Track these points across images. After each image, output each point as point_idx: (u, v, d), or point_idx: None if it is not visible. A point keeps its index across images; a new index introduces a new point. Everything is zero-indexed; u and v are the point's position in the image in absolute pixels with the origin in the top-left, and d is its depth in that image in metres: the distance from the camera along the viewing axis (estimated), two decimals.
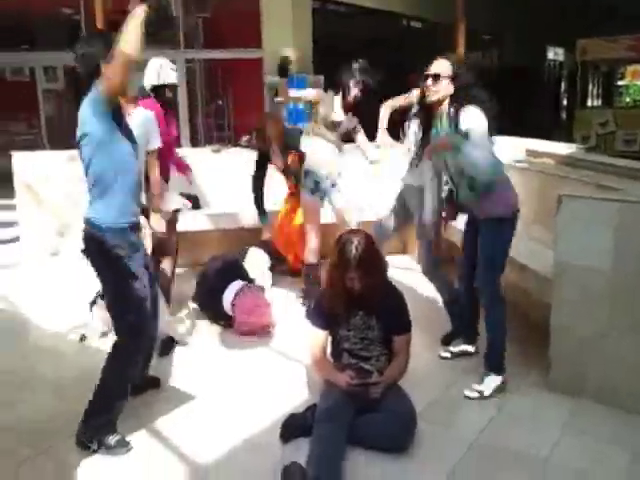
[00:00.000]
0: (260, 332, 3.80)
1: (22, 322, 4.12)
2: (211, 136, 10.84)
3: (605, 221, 2.84)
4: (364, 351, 2.80)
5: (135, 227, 2.61)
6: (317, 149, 3.93)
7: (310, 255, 4.02)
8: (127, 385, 2.65)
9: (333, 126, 3.89)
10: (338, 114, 3.88)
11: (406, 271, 4.50)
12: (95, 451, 2.57)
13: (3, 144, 9.80)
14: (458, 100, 2.88)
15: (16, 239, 5.68)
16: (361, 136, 4.05)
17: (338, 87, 3.84)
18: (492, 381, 3.04)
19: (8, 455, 2.59)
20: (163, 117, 3.74)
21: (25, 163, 5.31)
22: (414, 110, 3.40)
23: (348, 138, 4.06)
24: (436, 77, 2.90)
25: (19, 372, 3.36)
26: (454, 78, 2.90)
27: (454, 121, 2.86)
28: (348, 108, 3.87)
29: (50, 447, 2.64)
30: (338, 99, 3.86)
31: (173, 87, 3.90)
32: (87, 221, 2.53)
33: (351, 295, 2.73)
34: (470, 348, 3.44)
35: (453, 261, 3.79)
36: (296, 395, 3.03)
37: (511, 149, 4.68)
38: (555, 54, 21.32)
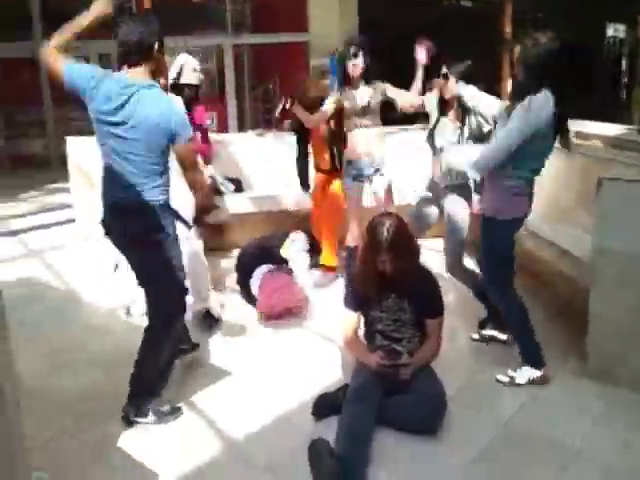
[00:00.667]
0: (286, 314, 3.86)
1: (74, 301, 4.34)
2: (258, 120, 10.96)
3: None
4: (396, 333, 2.83)
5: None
6: (357, 141, 3.92)
7: (351, 239, 4.06)
8: (164, 367, 2.77)
9: (364, 112, 3.86)
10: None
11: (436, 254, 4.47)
12: (152, 422, 2.72)
13: (63, 130, 10.25)
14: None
15: (71, 221, 5.95)
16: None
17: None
18: (527, 372, 3.00)
19: (55, 427, 2.76)
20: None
21: (78, 148, 5.53)
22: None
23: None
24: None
25: (68, 349, 3.54)
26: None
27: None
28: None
29: (94, 421, 2.79)
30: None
31: (194, 87, 3.96)
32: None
33: (383, 278, 2.76)
34: (501, 335, 3.41)
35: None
36: (329, 375, 3.10)
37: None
38: (615, 30, 20.39)
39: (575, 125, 5.05)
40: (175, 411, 2.81)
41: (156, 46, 2.54)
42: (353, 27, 9.83)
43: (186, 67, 3.86)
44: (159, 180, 2.56)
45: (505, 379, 3.00)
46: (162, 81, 2.90)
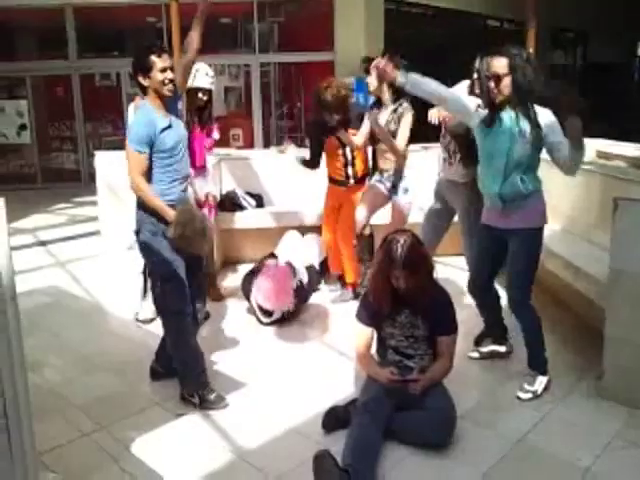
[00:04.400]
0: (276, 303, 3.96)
1: (97, 309, 4.45)
2: (282, 137, 11.10)
3: None
4: (409, 349, 2.84)
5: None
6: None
7: (358, 228, 4.15)
8: (191, 352, 3.01)
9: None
10: None
11: (459, 271, 4.48)
12: (197, 405, 2.97)
13: (94, 145, 10.53)
14: (522, 98, 2.82)
15: (97, 233, 6.10)
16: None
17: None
18: (542, 380, 3.05)
19: (74, 428, 2.84)
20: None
21: (106, 162, 5.69)
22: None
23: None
24: (497, 78, 2.82)
25: (91, 356, 3.64)
26: (514, 72, 2.80)
27: (527, 120, 2.83)
28: None
29: (111, 425, 2.86)
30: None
31: (206, 92, 4.06)
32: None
33: (397, 294, 2.77)
34: (500, 348, 3.42)
35: None
36: (341, 388, 3.12)
37: None
38: None
39: (598, 145, 5.06)
40: (219, 399, 3.00)
41: (140, 78, 2.84)
42: (379, 46, 9.94)
43: (199, 72, 3.98)
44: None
45: (527, 395, 3.01)
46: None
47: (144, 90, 2.87)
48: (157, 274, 3.03)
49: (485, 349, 3.47)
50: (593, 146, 4.95)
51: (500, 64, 2.83)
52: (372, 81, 3.92)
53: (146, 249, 2.93)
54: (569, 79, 15.74)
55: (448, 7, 11.31)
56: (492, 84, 2.85)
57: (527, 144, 2.85)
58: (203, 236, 2.87)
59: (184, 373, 3.04)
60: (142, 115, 2.85)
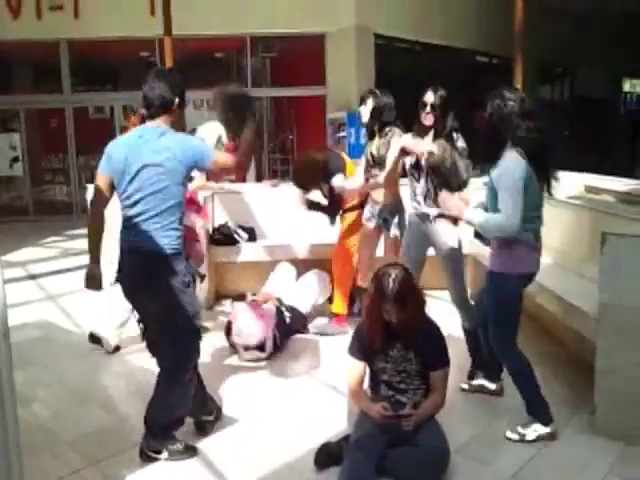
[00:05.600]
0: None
1: (87, 343, 4.39)
2: (275, 170, 11.20)
3: None
4: (402, 384, 2.83)
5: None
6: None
7: (362, 279, 4.20)
8: (188, 407, 2.85)
9: (375, 163, 3.97)
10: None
11: (447, 304, 4.48)
12: (165, 459, 2.79)
13: (87, 177, 10.57)
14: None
15: None
16: None
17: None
18: (536, 429, 2.95)
19: (63, 465, 2.80)
20: None
21: None
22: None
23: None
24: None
25: (80, 390, 3.62)
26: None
27: None
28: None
29: (101, 461, 2.82)
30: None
31: None
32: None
33: (389, 328, 2.78)
34: (490, 385, 3.41)
35: None
36: (333, 424, 3.09)
37: (568, 185, 4.62)
38: (631, 86, 20.71)
39: (586, 179, 5.14)
40: (189, 450, 2.85)
41: (176, 101, 2.71)
42: (369, 81, 10.13)
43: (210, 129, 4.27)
44: (171, 226, 2.69)
45: (514, 436, 2.96)
46: None
47: (161, 119, 2.73)
48: (188, 321, 2.73)
49: (475, 382, 3.47)
50: (582, 181, 5.05)
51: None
52: (365, 112, 4.02)
53: (175, 300, 2.67)
54: (557, 113, 16.03)
55: (437, 43, 11.57)
56: None
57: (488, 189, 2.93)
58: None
59: (167, 426, 2.81)
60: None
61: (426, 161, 3.39)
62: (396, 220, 4.02)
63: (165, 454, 2.79)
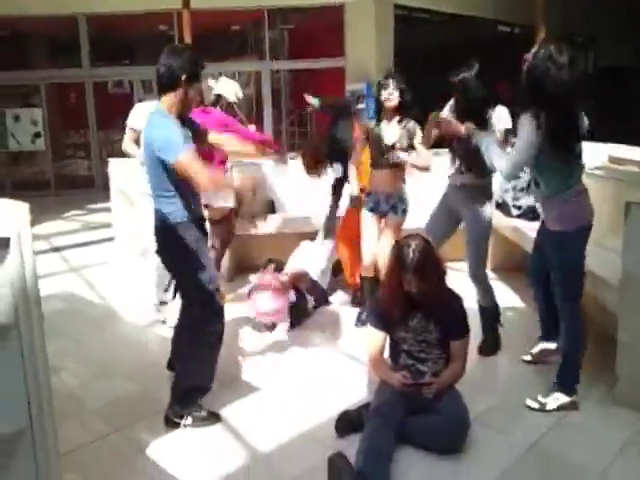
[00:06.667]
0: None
1: (112, 315, 4.51)
2: (293, 143, 11.16)
3: None
4: (422, 353, 2.85)
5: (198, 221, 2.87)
6: (376, 177, 3.95)
7: (364, 269, 4.07)
8: (211, 371, 2.91)
9: (387, 151, 3.82)
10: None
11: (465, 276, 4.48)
12: (188, 425, 2.86)
13: (107, 152, 10.65)
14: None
15: (111, 239, 6.17)
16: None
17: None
18: (558, 398, 2.97)
19: (90, 431, 2.89)
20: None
21: (119, 169, 5.75)
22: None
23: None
24: None
25: (105, 360, 3.70)
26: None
27: None
28: None
29: (125, 428, 2.91)
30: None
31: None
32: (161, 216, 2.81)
33: (409, 298, 2.79)
34: (550, 345, 3.36)
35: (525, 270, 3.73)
36: (355, 392, 3.14)
37: (591, 155, 4.54)
38: None
39: (609, 149, 5.04)
40: (212, 416, 2.92)
41: (183, 78, 2.68)
42: (389, 52, 9.99)
43: (226, 84, 4.36)
44: (173, 199, 2.74)
45: (535, 405, 2.98)
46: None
47: (168, 96, 2.72)
48: (200, 285, 2.79)
49: (536, 349, 3.42)
50: (605, 151, 4.95)
51: None
52: (393, 97, 3.86)
53: (187, 257, 2.77)
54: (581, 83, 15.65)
55: (458, 13, 11.33)
56: None
57: None
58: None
59: (190, 390, 2.88)
60: (173, 124, 2.72)
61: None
62: (402, 206, 3.96)
63: (189, 420, 2.87)
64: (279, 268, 4.38)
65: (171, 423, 2.88)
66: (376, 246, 3.97)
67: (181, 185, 2.72)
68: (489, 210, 3.55)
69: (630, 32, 15.06)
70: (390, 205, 3.91)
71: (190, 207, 2.80)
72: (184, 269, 2.84)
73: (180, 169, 2.60)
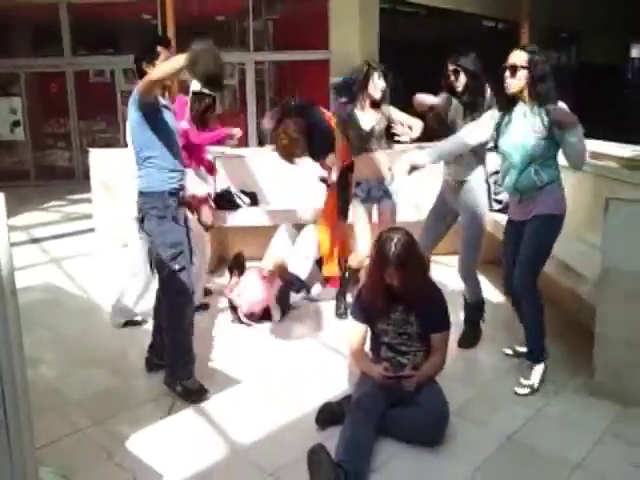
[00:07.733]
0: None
1: (92, 306, 4.46)
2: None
3: None
4: (402, 346, 2.86)
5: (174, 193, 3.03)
6: (362, 164, 3.95)
7: (354, 261, 4.07)
8: (186, 338, 3.07)
9: (368, 137, 3.84)
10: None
11: (451, 270, 4.51)
12: (179, 394, 3.02)
13: (87, 142, 10.51)
14: (537, 92, 2.92)
15: (92, 230, 6.11)
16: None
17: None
18: (537, 370, 3.10)
19: (69, 424, 2.86)
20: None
21: (100, 159, 5.70)
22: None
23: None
24: (513, 68, 2.94)
25: (84, 352, 3.67)
26: (531, 69, 2.91)
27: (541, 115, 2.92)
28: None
29: (105, 421, 2.89)
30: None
31: (210, 97, 4.27)
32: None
33: (391, 291, 2.80)
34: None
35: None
36: (335, 385, 3.15)
37: None
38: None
39: (590, 145, 5.08)
40: (201, 390, 3.04)
41: (143, 65, 3.02)
42: (373, 45, 9.97)
43: None
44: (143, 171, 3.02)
45: (524, 390, 3.06)
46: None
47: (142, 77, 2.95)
48: (165, 257, 3.00)
49: (521, 349, 3.41)
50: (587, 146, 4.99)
51: (519, 57, 2.95)
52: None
53: (154, 234, 3.00)
54: (564, 79, 15.81)
55: (443, 7, 11.35)
56: (508, 74, 2.96)
57: (540, 138, 2.93)
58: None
59: (174, 358, 3.06)
60: None
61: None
62: (395, 188, 3.98)
63: (179, 388, 3.02)
64: (241, 267, 4.36)
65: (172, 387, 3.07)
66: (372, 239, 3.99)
67: (162, 155, 2.97)
68: (485, 206, 3.58)
69: (614, 30, 15.23)
70: (383, 190, 3.93)
71: (168, 180, 2.99)
72: (155, 239, 3.02)
73: (143, 86, 2.80)
